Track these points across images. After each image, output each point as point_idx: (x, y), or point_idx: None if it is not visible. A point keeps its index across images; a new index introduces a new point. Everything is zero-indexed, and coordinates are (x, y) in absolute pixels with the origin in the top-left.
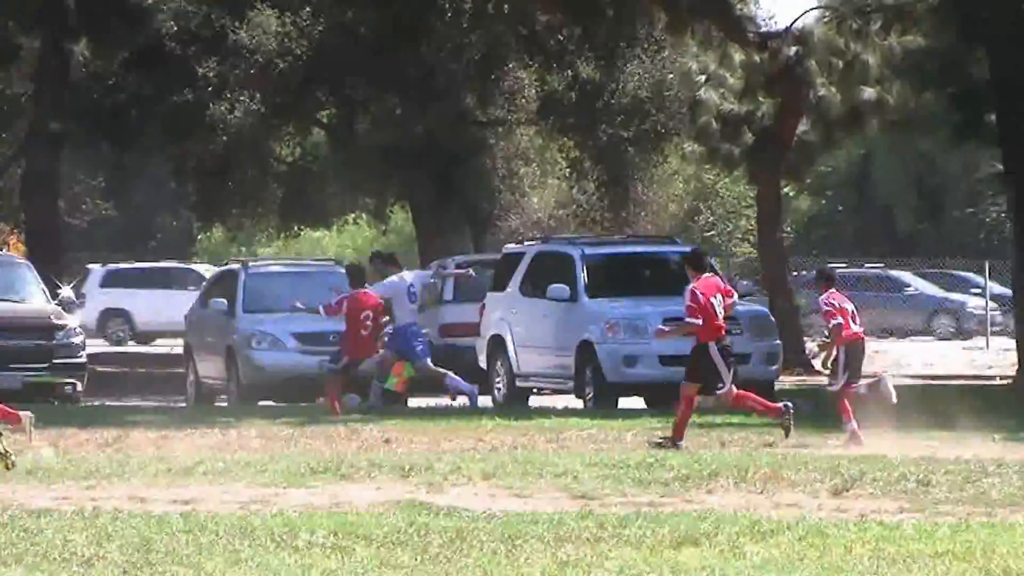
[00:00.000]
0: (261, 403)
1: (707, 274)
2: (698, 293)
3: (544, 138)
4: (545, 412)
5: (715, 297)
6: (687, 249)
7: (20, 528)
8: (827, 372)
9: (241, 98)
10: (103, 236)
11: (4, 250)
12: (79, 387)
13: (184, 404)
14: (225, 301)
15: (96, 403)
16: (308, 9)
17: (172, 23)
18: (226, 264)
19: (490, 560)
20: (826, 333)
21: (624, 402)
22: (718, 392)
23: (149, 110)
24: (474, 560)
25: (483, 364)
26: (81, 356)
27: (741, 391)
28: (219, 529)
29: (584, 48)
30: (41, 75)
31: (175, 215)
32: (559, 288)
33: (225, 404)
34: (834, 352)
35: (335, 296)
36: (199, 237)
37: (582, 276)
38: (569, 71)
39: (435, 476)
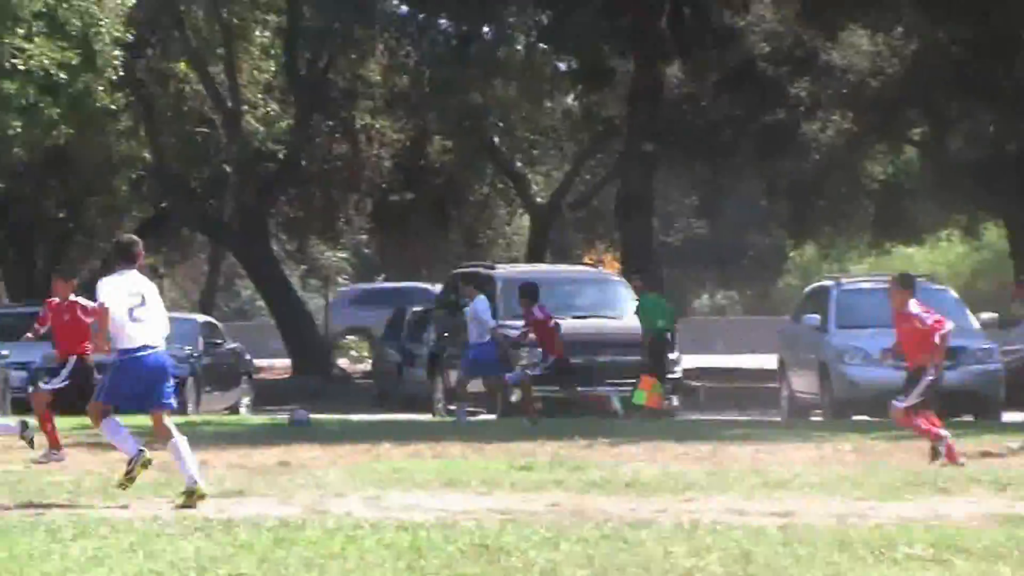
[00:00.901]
0: (855, 417)
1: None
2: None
3: None
4: None
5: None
6: None
7: (620, 540)
8: None
9: (833, 117)
10: (696, 254)
11: (599, 268)
12: (675, 401)
13: (778, 418)
14: (818, 317)
15: (692, 417)
16: (900, 28)
17: (764, 44)
18: (818, 281)
19: None
20: None
21: None
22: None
23: (741, 130)
24: None
25: None
26: (676, 371)
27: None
28: (817, 542)
29: None
30: (635, 97)
31: (767, 233)
32: None
33: (819, 418)
34: None
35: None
36: (791, 254)
37: None
38: None
39: None
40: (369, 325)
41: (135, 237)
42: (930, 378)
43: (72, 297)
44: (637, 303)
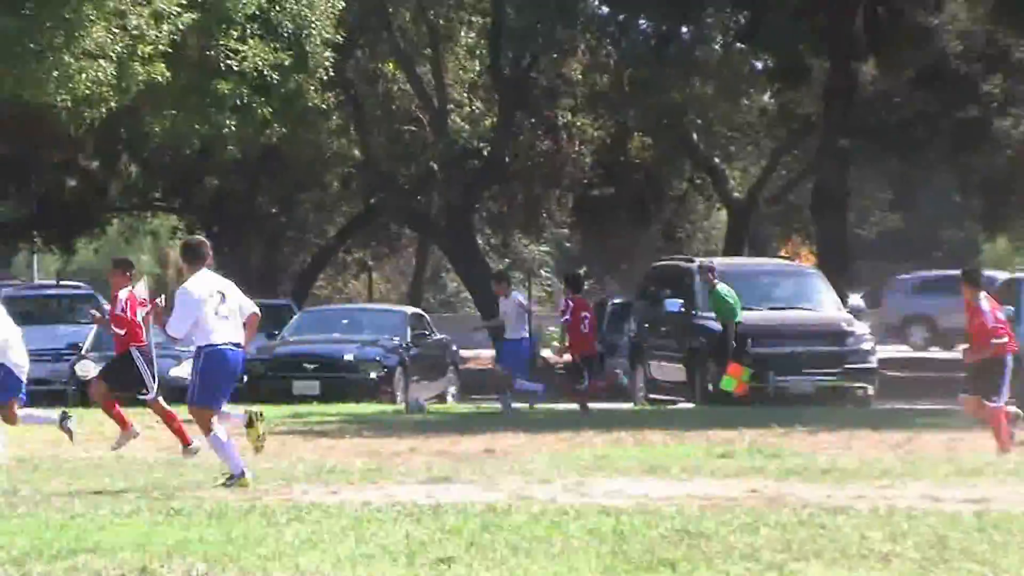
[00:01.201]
0: None
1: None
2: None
3: None
4: None
5: None
6: None
7: (818, 525)
8: None
9: None
10: (890, 247)
11: (795, 261)
12: (870, 391)
13: None
14: (1012, 308)
15: (887, 406)
16: None
17: (957, 42)
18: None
19: None
20: None
21: None
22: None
23: (934, 126)
24: None
25: None
26: (871, 361)
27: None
28: (1012, 527)
29: None
30: (830, 94)
31: (959, 226)
32: None
33: (1013, 408)
34: None
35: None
36: (984, 247)
37: None
38: None
39: None
40: (932, 314)
41: (202, 238)
42: (1008, 367)
43: (124, 292)
44: (713, 295)
